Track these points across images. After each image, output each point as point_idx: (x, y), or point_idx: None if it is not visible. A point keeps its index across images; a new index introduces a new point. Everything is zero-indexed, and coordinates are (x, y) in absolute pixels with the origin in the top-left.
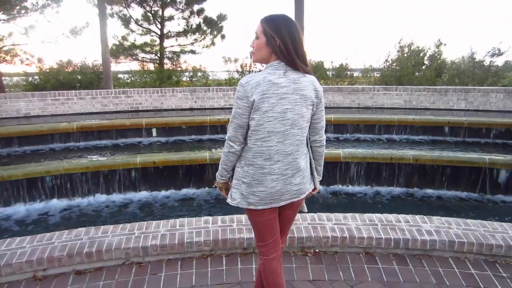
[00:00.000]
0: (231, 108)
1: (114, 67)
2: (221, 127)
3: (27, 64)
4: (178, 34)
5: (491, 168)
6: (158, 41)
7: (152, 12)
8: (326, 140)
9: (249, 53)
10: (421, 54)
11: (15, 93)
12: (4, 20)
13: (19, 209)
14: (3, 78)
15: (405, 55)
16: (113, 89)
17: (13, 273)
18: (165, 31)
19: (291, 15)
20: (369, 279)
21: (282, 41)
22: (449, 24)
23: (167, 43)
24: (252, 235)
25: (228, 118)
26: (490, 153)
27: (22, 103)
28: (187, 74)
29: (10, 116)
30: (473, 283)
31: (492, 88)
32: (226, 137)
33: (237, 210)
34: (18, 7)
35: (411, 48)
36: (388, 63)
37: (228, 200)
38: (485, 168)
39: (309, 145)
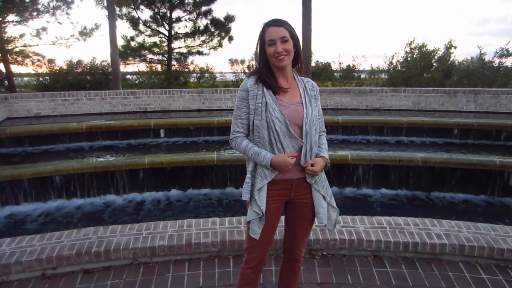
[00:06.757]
0: None
1: (122, 68)
2: (228, 128)
3: (38, 66)
4: (186, 36)
5: (501, 170)
6: (166, 43)
7: (160, 13)
8: (335, 141)
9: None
10: (431, 56)
11: (26, 93)
12: (16, 22)
13: (29, 208)
14: (14, 78)
15: (416, 56)
16: (121, 90)
17: (23, 271)
18: (172, 32)
19: (299, 15)
20: (378, 283)
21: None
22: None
23: (174, 44)
24: None
25: None
26: (500, 156)
27: (33, 103)
28: (194, 75)
29: (21, 115)
30: None
31: (503, 90)
32: None
33: (244, 212)
34: (30, 9)
35: (422, 50)
36: (397, 65)
37: None
38: (495, 171)
39: None
